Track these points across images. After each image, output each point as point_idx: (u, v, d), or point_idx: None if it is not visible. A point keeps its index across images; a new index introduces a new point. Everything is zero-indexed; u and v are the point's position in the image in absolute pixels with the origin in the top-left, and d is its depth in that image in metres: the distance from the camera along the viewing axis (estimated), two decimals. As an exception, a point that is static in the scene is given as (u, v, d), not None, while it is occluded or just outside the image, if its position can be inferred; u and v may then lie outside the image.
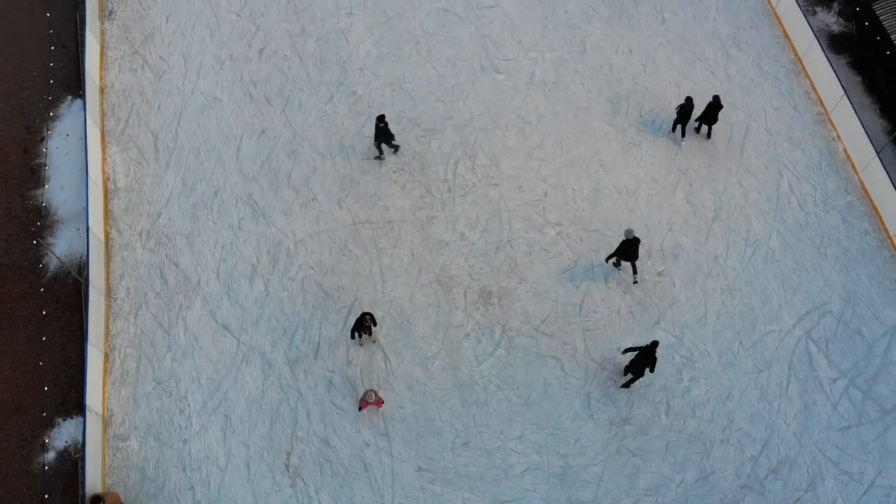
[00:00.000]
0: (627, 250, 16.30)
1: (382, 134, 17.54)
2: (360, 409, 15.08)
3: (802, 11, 19.89)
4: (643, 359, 14.89)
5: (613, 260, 17.08)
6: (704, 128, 18.76)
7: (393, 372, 15.92)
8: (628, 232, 16.05)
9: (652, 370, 15.03)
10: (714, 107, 17.92)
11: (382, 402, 15.16)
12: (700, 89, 19.49)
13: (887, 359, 16.16)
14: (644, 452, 15.25)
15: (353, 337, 15.57)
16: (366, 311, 15.98)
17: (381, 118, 17.22)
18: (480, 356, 16.17)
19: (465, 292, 16.91)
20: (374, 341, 15.96)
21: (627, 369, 15.54)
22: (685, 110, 17.99)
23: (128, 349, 16.05)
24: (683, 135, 18.50)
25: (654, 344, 14.69)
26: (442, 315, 16.64)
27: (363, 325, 15.24)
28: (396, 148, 18.45)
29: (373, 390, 14.68)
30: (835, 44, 20.68)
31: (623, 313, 16.64)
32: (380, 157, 18.38)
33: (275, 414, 15.48)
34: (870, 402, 15.74)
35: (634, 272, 16.75)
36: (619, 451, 15.25)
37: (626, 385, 15.81)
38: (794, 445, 15.25)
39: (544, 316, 16.66)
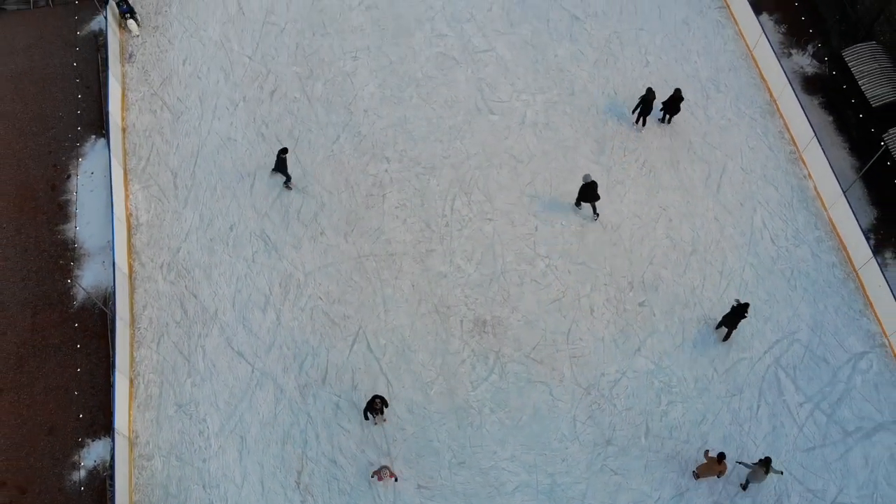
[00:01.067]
0: (586, 192, 18.80)
1: (281, 165, 18.91)
2: (372, 476, 15.69)
3: (777, 55, 21.29)
4: (737, 314, 16.65)
5: (574, 201, 19.39)
6: (676, 118, 20.25)
7: (395, 396, 17.24)
8: (586, 177, 18.76)
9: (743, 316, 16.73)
10: (676, 98, 19.74)
11: (396, 478, 15.91)
12: (680, 126, 20.96)
13: (850, 384, 17.49)
14: (625, 471, 16.55)
15: (366, 418, 16.33)
16: (376, 394, 16.43)
17: (283, 150, 18.75)
18: (475, 381, 17.50)
19: (462, 321, 18.26)
20: (385, 420, 16.63)
21: (721, 324, 16.98)
22: (647, 101, 19.79)
23: (151, 375, 17.44)
24: (644, 123, 20.22)
25: (742, 305, 16.56)
26: (440, 342, 17.98)
27: (374, 408, 16.08)
28: (287, 180, 19.36)
29: (387, 466, 15.51)
30: (808, 85, 22.04)
31: (607, 341, 17.97)
32: (287, 187, 19.49)
33: (286, 435, 16.82)
34: (833, 424, 17.05)
35: (594, 211, 19.15)
36: (602, 469, 16.56)
37: (727, 338, 17.20)
38: (763, 465, 16.64)
39: (534, 343, 17.99)
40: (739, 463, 16.09)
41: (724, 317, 17.27)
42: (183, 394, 17.24)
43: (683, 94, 20.09)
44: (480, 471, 16.56)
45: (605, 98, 21.34)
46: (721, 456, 15.49)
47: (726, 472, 15.84)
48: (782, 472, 16.09)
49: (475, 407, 17.17)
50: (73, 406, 17.06)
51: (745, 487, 16.18)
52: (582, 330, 18.17)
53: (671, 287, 18.68)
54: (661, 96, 20.67)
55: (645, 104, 20.00)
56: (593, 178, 18.91)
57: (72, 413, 17.01)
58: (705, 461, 15.77)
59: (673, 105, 20.10)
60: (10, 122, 20.89)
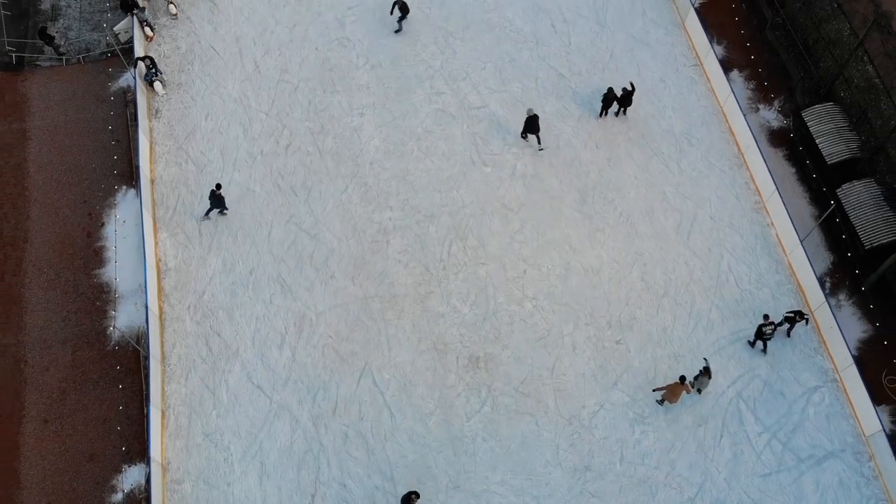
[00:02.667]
0: (531, 124, 22.11)
1: (217, 200, 21.01)
2: None
3: (744, 112, 23.39)
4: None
5: (521, 132, 22.78)
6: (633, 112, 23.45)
7: (397, 426, 19.23)
8: (529, 110, 22.28)
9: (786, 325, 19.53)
10: (629, 92, 22.96)
11: None
12: (656, 178, 23.00)
13: (804, 416, 19.51)
14: (602, 494, 18.53)
15: None
16: (412, 490, 17.68)
17: (218, 186, 20.96)
18: (469, 413, 19.50)
19: (457, 358, 20.26)
20: None
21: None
22: (608, 98, 23.12)
23: (180, 407, 19.44)
24: (605, 115, 23.46)
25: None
26: (438, 377, 19.98)
27: (410, 501, 17.59)
28: (222, 210, 21.49)
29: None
30: (774, 138, 24.11)
31: (587, 376, 19.98)
32: (206, 217, 21.66)
33: (301, 462, 18.81)
34: (788, 452, 19.05)
35: (539, 142, 22.54)
36: (582, 492, 18.54)
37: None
38: (724, 489, 18.55)
39: (522, 378, 19.99)
40: (694, 380, 18.83)
41: (697, 375, 19.18)
42: (209, 424, 19.28)
43: (635, 87, 23.09)
44: (474, 494, 18.55)
45: (587, 151, 23.41)
46: (682, 378, 18.42)
47: (691, 390, 18.66)
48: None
49: (469, 436, 19.19)
50: (112, 435, 19.11)
51: (700, 391, 19.08)
52: (565, 365, 20.19)
53: (645, 326, 20.71)
54: (637, 154, 22.81)
55: (606, 101, 23.25)
56: (536, 112, 22.46)
57: (110, 441, 19.06)
58: (664, 390, 18.60)
59: (627, 99, 23.20)
60: (48, 173, 23.01)
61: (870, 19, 21.86)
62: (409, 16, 24.92)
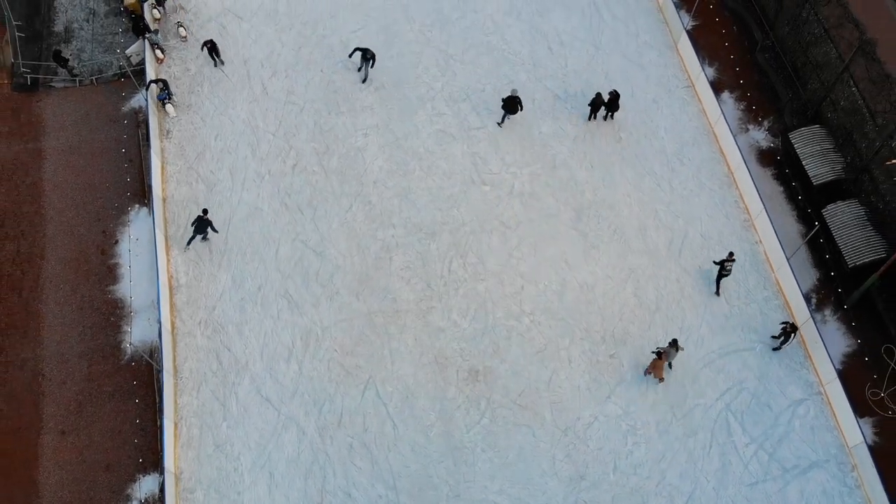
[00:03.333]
0: (508, 105, 23.58)
1: (202, 225, 21.52)
2: None
3: (733, 133, 24.23)
4: (791, 330, 20.54)
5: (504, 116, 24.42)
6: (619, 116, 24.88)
7: (400, 437, 20.05)
8: (514, 91, 23.66)
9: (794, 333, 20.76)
10: (615, 97, 24.08)
11: None
12: (648, 196, 23.81)
13: (790, 427, 20.35)
14: (596, 502, 19.37)
15: None
16: None
17: (205, 211, 21.59)
18: (469, 424, 20.32)
19: (457, 371, 21.08)
20: None
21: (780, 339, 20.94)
22: (596, 103, 24.23)
23: (192, 419, 20.26)
24: (594, 118, 24.58)
25: (791, 326, 20.48)
26: (439, 390, 20.79)
27: None
28: (203, 237, 22.03)
29: None
30: (763, 158, 24.94)
31: (582, 389, 20.80)
32: (188, 248, 22.22)
33: (308, 471, 19.63)
34: (774, 462, 19.89)
35: (502, 120, 24.31)
36: (577, 501, 19.38)
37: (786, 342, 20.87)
38: (713, 497, 19.38)
39: (520, 391, 20.80)
40: (662, 350, 20.51)
41: (666, 348, 20.58)
42: (220, 435, 20.08)
43: (619, 93, 24.42)
44: (473, 503, 19.35)
45: (582, 171, 24.25)
46: (659, 353, 20.21)
47: (666, 358, 20.28)
48: (683, 349, 20.58)
49: (469, 447, 20.01)
50: (127, 446, 19.93)
51: (671, 365, 20.76)
52: (561, 378, 21.00)
53: (637, 341, 21.52)
54: (630, 174, 23.66)
55: (594, 105, 24.33)
56: (518, 95, 23.82)
57: (125, 452, 19.88)
58: (653, 368, 20.30)
59: (613, 104, 24.30)
60: (64, 192, 23.83)
61: (855, 45, 22.75)
62: (375, 63, 24.59)
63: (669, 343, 20.45)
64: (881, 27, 22.93)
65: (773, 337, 21.26)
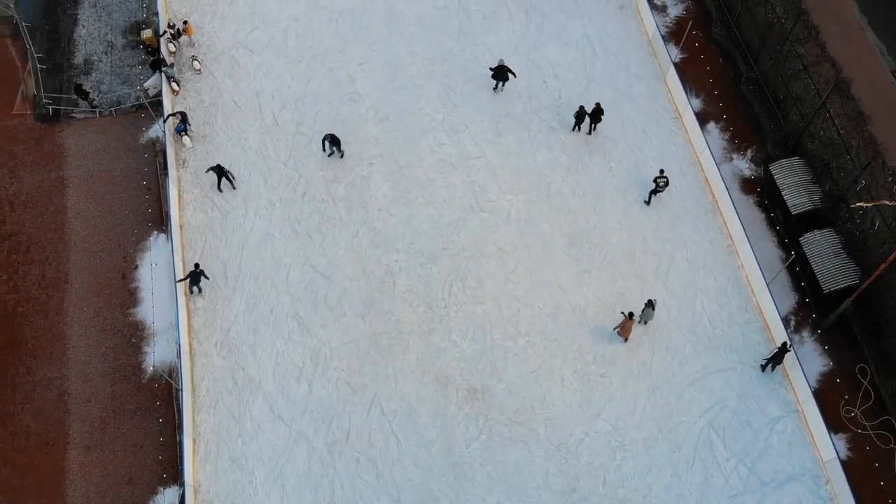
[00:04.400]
0: (497, 73, 25.76)
1: (196, 277, 22.35)
2: None
3: (717, 163, 25.59)
4: (781, 352, 21.87)
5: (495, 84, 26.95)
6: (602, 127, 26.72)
7: (403, 452, 21.39)
8: (501, 60, 26.04)
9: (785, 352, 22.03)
10: (598, 110, 25.62)
11: None
12: (637, 223, 25.14)
13: (768, 443, 21.70)
14: (586, 513, 20.68)
15: None
16: None
17: (196, 266, 22.35)
18: (468, 440, 21.66)
19: (457, 389, 22.42)
20: None
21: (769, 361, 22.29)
22: (580, 116, 25.92)
23: (209, 435, 21.59)
24: (579, 130, 26.29)
25: (784, 344, 21.89)
26: (440, 407, 22.13)
27: None
28: (197, 286, 22.95)
29: None
30: (746, 186, 26.31)
31: (574, 407, 22.13)
32: (192, 291, 23.11)
33: (317, 485, 20.98)
34: (753, 476, 21.23)
35: (501, 87, 26.57)
36: (569, 512, 20.69)
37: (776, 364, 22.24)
38: (696, 509, 20.71)
39: (516, 408, 22.14)
40: (641, 314, 22.57)
41: (643, 309, 22.62)
42: (235, 450, 21.43)
43: (602, 107, 26.07)
44: (472, 513, 20.70)
45: (575, 199, 25.62)
46: (630, 315, 22.27)
47: (634, 321, 22.48)
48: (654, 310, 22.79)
49: (468, 461, 21.34)
50: (148, 460, 21.33)
51: (646, 323, 22.88)
52: (554, 397, 22.34)
53: (626, 361, 22.86)
54: (620, 202, 25.03)
55: (578, 117, 26.06)
56: (506, 64, 26.17)
57: (147, 466, 21.27)
58: (622, 328, 22.27)
59: (596, 116, 25.87)
60: (86, 219, 25.20)
61: (832, 82, 24.11)
62: (342, 146, 25.02)
63: (646, 304, 22.57)
64: (857, 66, 24.35)
65: (766, 358, 22.44)
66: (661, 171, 24.67)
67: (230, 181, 24.87)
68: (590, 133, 26.29)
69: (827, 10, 25.75)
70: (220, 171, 24.75)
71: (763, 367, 22.41)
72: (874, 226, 22.47)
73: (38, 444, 21.77)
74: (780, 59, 26.50)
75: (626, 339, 22.69)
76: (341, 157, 25.39)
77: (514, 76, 26.31)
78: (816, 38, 24.50)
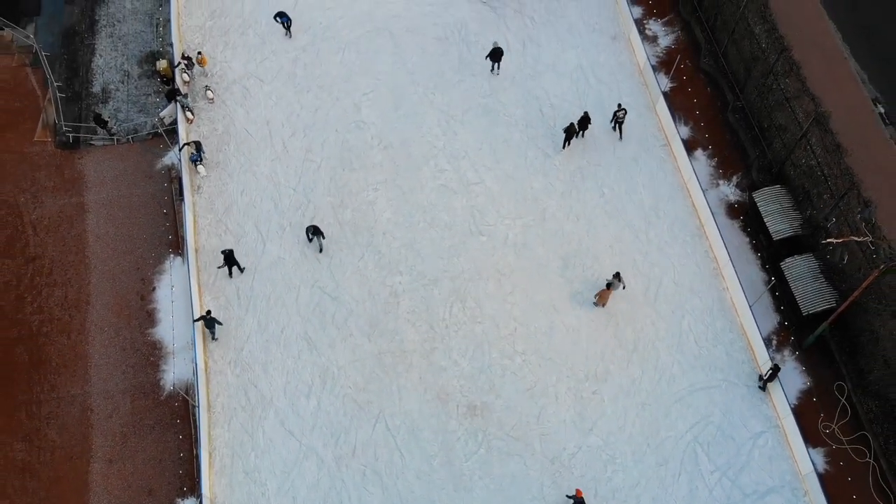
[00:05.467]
0: (494, 54, 28.23)
1: (210, 322, 23.36)
2: None
3: (703, 189, 26.92)
4: (774, 372, 23.16)
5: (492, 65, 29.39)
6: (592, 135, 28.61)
7: (407, 466, 22.71)
8: (495, 42, 28.37)
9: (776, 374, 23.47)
10: (585, 119, 27.41)
11: None
12: (627, 247, 26.43)
13: (750, 457, 23.04)
14: (579, 523, 21.92)
15: None
16: None
17: (209, 312, 23.32)
18: (468, 454, 22.98)
19: (458, 406, 23.72)
20: None
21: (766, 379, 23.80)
22: (570, 130, 27.39)
23: (224, 449, 22.90)
24: (569, 145, 27.81)
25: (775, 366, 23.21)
26: (441, 423, 23.44)
27: None
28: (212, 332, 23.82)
29: None
30: (731, 210, 27.65)
31: (567, 423, 23.45)
32: (214, 339, 23.94)
33: (326, 496, 22.31)
34: (736, 488, 22.55)
35: (497, 68, 29.00)
36: (562, 522, 21.96)
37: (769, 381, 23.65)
38: (681, 519, 21.96)
39: (513, 424, 23.43)
40: (611, 283, 24.62)
41: (612, 280, 24.75)
42: (249, 463, 22.75)
43: (590, 116, 27.87)
44: (471, 523, 21.96)
45: (569, 223, 26.96)
46: (608, 285, 24.37)
47: (611, 291, 24.53)
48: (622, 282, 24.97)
49: (467, 474, 22.65)
50: (167, 473, 22.66)
51: (623, 287, 24.90)
52: (549, 413, 23.63)
53: (617, 379, 24.18)
54: (611, 226, 26.38)
55: (568, 134, 27.51)
56: (500, 46, 28.65)
57: (165, 479, 22.61)
58: (599, 297, 24.55)
59: (584, 125, 27.64)
60: (105, 243, 26.53)
61: (812, 115, 25.43)
62: (323, 236, 25.12)
63: (614, 275, 24.71)
64: (839, 95, 25.66)
65: (761, 377, 23.75)
66: (619, 105, 27.74)
67: (239, 269, 25.04)
68: (580, 137, 28.10)
69: (810, 41, 27.12)
70: (230, 260, 24.88)
71: (762, 388, 23.73)
72: (843, 260, 23.93)
73: (62, 457, 23.12)
74: (765, 90, 27.86)
75: (602, 305, 24.90)
76: (320, 250, 25.54)
77: (497, 71, 28.97)
78: (798, 74, 25.88)
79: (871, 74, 27.12)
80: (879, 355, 23.41)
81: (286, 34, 29.78)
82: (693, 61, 30.89)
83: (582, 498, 21.63)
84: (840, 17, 27.49)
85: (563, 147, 27.86)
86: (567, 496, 22.06)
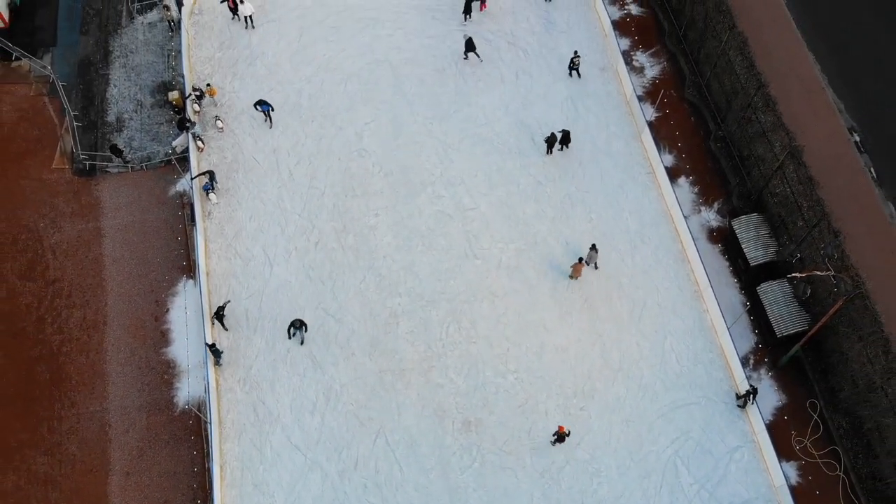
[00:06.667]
0: (468, 45, 30.95)
1: (217, 354, 24.75)
2: None
3: (685, 215, 28.46)
4: (753, 393, 24.56)
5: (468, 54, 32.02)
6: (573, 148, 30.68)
7: (405, 479, 24.22)
8: (465, 35, 31.59)
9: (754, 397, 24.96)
10: (566, 135, 29.31)
11: None
12: (614, 270, 27.93)
13: (727, 470, 24.58)
14: (566, 533, 23.39)
15: None
16: None
17: (212, 345, 24.71)
18: (463, 468, 24.46)
19: (453, 422, 25.22)
20: None
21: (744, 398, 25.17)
22: (550, 141, 29.40)
23: (234, 462, 24.37)
24: (551, 153, 29.88)
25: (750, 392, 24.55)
26: (438, 438, 24.92)
27: None
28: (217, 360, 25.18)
29: None
30: (712, 236, 29.18)
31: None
32: (218, 364, 25.32)
33: (330, 507, 23.67)
34: (714, 500, 24.16)
35: (475, 55, 31.82)
36: (550, 532, 23.40)
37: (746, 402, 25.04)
38: (662, 529, 23.42)
39: (505, 439, 24.93)
40: (587, 258, 27.07)
41: (588, 253, 27.24)
42: (257, 476, 24.25)
43: (570, 132, 30.01)
44: (465, 533, 23.42)
45: (559, 247, 28.49)
46: (580, 259, 26.71)
47: (583, 264, 26.82)
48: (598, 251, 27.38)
49: (462, 487, 24.15)
50: (181, 485, 24.17)
51: (596, 266, 27.40)
52: (539, 428, 25.12)
53: (603, 396, 25.66)
54: (600, 250, 27.66)
55: (550, 143, 29.48)
56: (470, 36, 31.61)
57: (180, 491, 24.14)
58: (573, 271, 26.78)
59: (565, 140, 29.71)
60: (121, 266, 28.04)
61: (787, 148, 26.94)
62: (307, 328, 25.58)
63: (590, 248, 26.96)
64: (816, 124, 27.20)
65: (738, 395, 25.26)
66: (576, 52, 31.32)
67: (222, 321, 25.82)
68: (561, 149, 29.98)
69: (788, 72, 28.73)
70: (219, 315, 25.60)
71: (741, 406, 25.19)
72: (806, 294, 25.53)
73: (82, 470, 24.60)
74: (744, 122, 29.41)
75: (576, 279, 27.22)
76: (301, 343, 25.95)
77: (479, 58, 31.77)
78: (774, 109, 27.38)
79: (848, 105, 28.67)
80: (848, 375, 24.96)
81: (265, 121, 29.54)
82: (678, 91, 32.48)
83: (565, 433, 23.84)
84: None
85: (547, 153, 29.96)
86: (553, 434, 24.10)
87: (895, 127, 27.65)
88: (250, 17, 32.56)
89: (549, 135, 29.60)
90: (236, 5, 32.36)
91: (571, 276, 27.28)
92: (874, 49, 29.40)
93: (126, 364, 26.36)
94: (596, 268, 27.24)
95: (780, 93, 27.56)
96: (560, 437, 23.77)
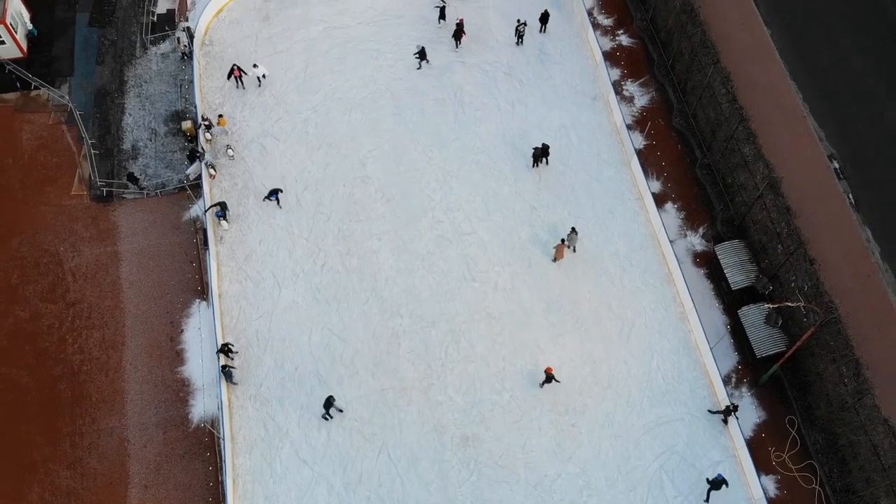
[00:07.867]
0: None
1: (229, 375, 26.16)
2: None
3: (671, 240, 29.98)
4: (727, 413, 25.98)
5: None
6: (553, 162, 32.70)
7: (407, 492, 25.73)
8: (419, 45, 33.75)
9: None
10: (545, 149, 31.34)
11: None
12: (604, 293, 29.42)
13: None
14: (558, 542, 24.84)
15: None
16: None
17: (224, 366, 26.24)
18: (461, 481, 25.94)
19: (452, 437, 26.72)
20: None
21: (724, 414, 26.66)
22: (536, 155, 31.30)
23: (246, 476, 25.89)
24: (536, 166, 31.83)
25: (730, 409, 25.77)
26: (437, 453, 26.41)
27: None
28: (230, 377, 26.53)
29: None
30: (698, 259, 30.72)
31: (549, 452, 26.42)
32: (234, 383, 26.74)
33: (336, 518, 25.10)
34: (696, 511, 25.45)
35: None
36: (543, 541, 24.84)
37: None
38: (648, 538, 24.89)
39: (501, 453, 26.42)
40: (567, 239, 29.14)
41: (569, 234, 29.21)
42: (268, 489, 25.77)
43: (549, 146, 31.83)
44: (463, 542, 24.86)
45: (552, 270, 30.05)
46: (562, 241, 28.63)
47: (566, 246, 28.88)
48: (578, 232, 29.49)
49: (460, 499, 25.70)
50: (196, 498, 25.64)
51: (574, 250, 29.33)
52: (533, 443, 26.63)
53: (593, 412, 27.17)
54: (589, 273, 29.37)
55: (535, 158, 31.43)
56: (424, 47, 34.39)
57: (194, 502, 25.43)
58: (557, 253, 28.74)
59: (544, 152, 31.61)
60: (138, 289, 29.56)
61: (766, 178, 28.44)
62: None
63: (571, 230, 28.82)
64: (796, 152, 28.62)
65: (720, 411, 26.69)
66: (519, 20, 34.19)
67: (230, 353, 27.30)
68: (545, 162, 31.92)
69: (771, 101, 30.15)
70: (225, 350, 27.14)
71: (725, 422, 26.73)
72: (777, 324, 27.05)
73: (103, 483, 26.08)
74: (727, 152, 30.98)
75: (557, 261, 29.20)
76: (340, 411, 26.64)
77: (429, 63, 34.01)
78: (754, 142, 28.92)
79: (829, 133, 30.05)
80: (824, 394, 26.46)
81: (277, 205, 30.26)
82: (666, 120, 34.05)
83: (552, 374, 25.94)
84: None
85: (534, 167, 31.92)
86: (543, 373, 26.15)
87: (872, 153, 29.22)
88: (262, 76, 33.54)
89: (534, 150, 31.40)
90: (241, 74, 32.91)
91: (554, 259, 29.02)
92: (855, 80, 30.96)
93: (143, 382, 27.89)
94: (574, 251, 29.20)
95: (760, 126, 29.09)
96: (549, 377, 25.97)
